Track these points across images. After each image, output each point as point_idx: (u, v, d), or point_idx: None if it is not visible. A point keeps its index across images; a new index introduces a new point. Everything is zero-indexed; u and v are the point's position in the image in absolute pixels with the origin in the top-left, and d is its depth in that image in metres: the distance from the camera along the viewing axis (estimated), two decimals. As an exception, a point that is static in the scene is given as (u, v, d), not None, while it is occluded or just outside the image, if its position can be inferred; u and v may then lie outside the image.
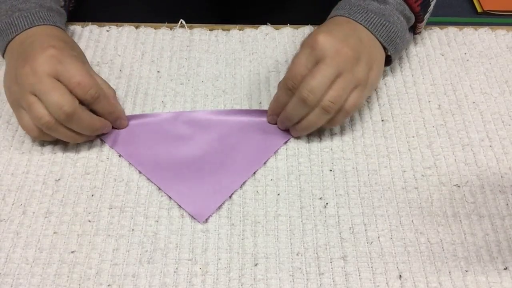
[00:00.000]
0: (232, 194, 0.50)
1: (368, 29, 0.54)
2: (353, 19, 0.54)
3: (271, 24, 0.66)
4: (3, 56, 0.55)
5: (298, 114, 0.51)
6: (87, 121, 0.50)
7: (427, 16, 0.59)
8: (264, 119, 0.56)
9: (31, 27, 0.53)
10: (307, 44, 0.51)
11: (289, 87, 0.51)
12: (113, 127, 0.54)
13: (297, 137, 0.54)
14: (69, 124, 0.49)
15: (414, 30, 0.60)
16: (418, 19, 0.58)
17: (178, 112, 0.56)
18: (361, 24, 0.54)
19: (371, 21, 0.54)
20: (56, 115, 0.48)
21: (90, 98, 0.49)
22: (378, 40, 0.54)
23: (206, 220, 0.48)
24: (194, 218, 0.48)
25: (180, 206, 0.49)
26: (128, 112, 0.56)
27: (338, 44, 0.50)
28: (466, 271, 0.46)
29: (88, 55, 0.59)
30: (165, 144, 0.54)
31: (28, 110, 0.49)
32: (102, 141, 0.54)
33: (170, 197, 0.50)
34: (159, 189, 0.50)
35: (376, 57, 0.54)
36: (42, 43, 0.50)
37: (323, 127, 0.53)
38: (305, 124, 0.52)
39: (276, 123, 0.55)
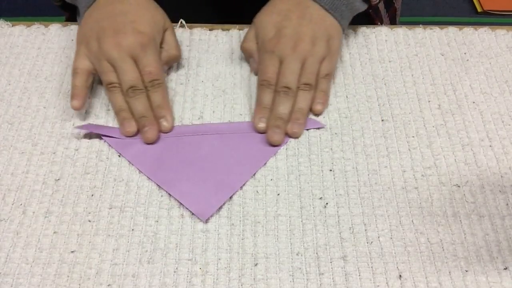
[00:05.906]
0: (232, 194, 0.50)
1: None
2: None
3: (271, 24, 0.66)
4: None
5: (285, 106, 0.55)
6: (143, 101, 0.55)
7: None
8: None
9: None
10: (264, 49, 0.57)
11: (271, 83, 0.55)
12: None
13: (297, 137, 0.54)
14: (130, 96, 0.54)
15: (369, 2, 0.63)
16: None
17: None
18: None
19: None
20: (123, 84, 0.54)
21: (151, 83, 0.55)
22: (324, 8, 0.58)
23: (207, 220, 0.48)
24: (197, 217, 0.48)
25: (180, 206, 0.49)
26: (128, 112, 0.56)
27: (292, 42, 0.56)
28: (466, 271, 0.46)
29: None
30: (166, 145, 0.54)
31: (101, 73, 0.55)
32: (102, 140, 0.54)
33: (170, 197, 0.50)
34: (159, 189, 0.50)
35: (330, 27, 0.58)
36: (133, 22, 0.56)
37: (316, 110, 0.57)
38: (297, 111, 0.55)
39: (265, 130, 0.54)
